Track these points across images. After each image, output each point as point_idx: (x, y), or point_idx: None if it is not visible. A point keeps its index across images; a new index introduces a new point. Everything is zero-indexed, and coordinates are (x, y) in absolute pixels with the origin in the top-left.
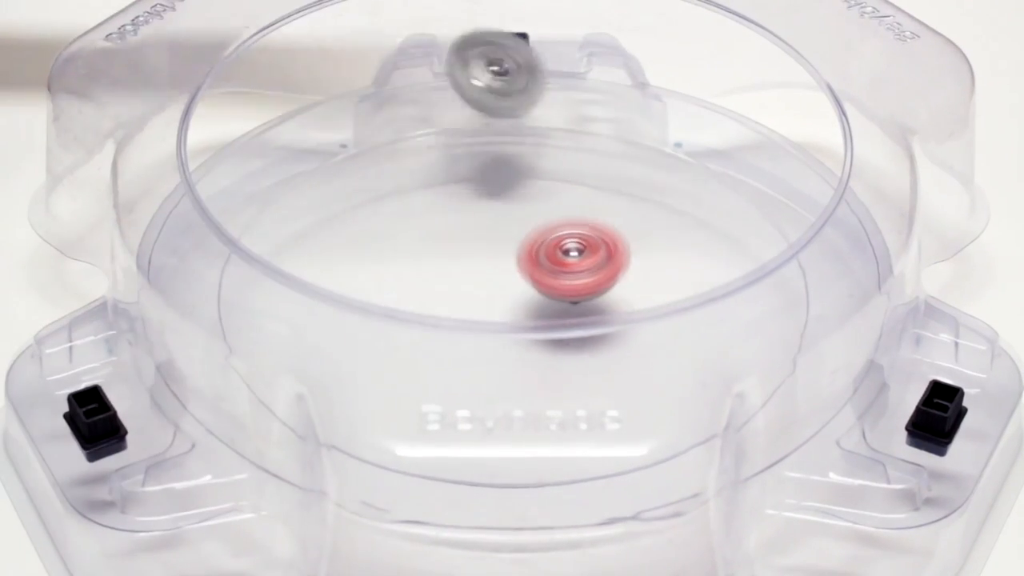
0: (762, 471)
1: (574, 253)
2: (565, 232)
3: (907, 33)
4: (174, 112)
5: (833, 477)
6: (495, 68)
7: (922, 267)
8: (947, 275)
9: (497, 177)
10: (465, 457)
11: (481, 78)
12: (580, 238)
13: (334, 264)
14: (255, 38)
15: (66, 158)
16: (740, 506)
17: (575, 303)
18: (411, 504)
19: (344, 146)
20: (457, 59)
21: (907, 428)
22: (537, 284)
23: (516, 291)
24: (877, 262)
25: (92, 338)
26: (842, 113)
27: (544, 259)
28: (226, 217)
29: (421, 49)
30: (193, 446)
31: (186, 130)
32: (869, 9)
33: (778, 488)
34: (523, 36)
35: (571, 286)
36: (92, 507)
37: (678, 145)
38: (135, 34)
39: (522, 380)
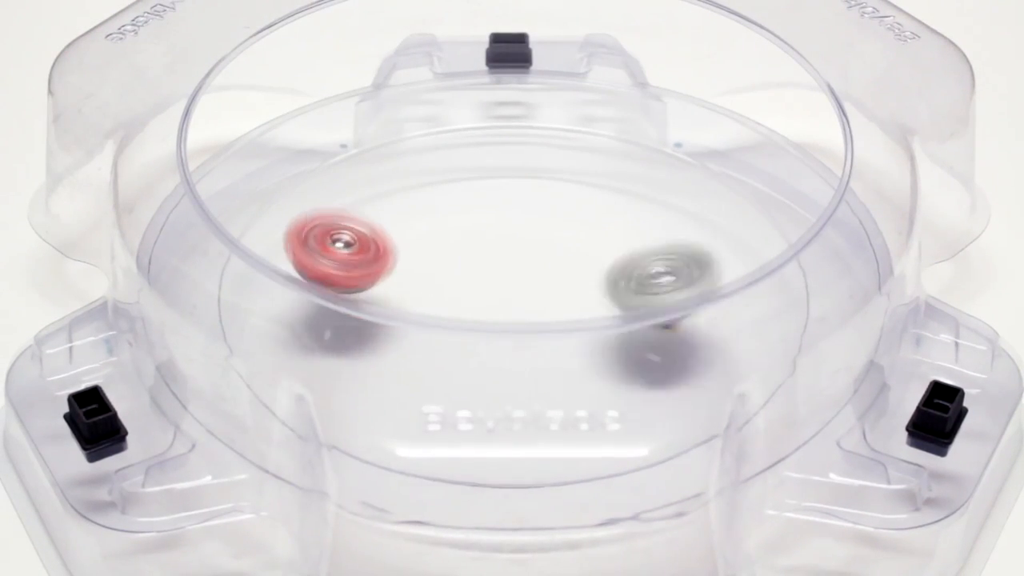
0: (763, 471)
1: (341, 245)
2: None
3: (907, 33)
4: (174, 112)
5: (834, 477)
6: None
7: (922, 267)
8: (947, 275)
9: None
10: (465, 457)
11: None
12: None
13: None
14: (255, 38)
15: (66, 158)
16: (741, 506)
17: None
18: (411, 504)
19: (344, 146)
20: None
21: (907, 428)
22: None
23: (517, 291)
24: (877, 262)
25: (92, 338)
26: (842, 113)
27: (313, 243)
28: (226, 217)
29: (421, 49)
30: (193, 446)
31: (186, 130)
32: (869, 9)
33: (779, 488)
34: (523, 36)
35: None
36: (92, 507)
37: (678, 145)
38: (135, 34)
39: (522, 380)
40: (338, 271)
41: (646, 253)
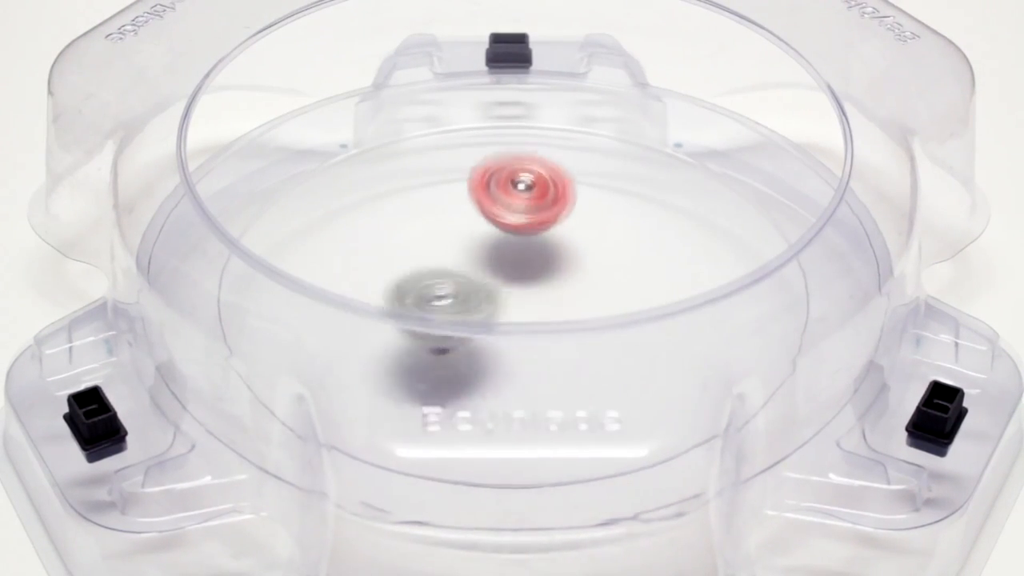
0: (762, 472)
1: (522, 186)
2: (520, 166)
3: (907, 33)
4: (174, 112)
5: (833, 478)
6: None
7: (922, 267)
8: (947, 275)
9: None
10: (465, 458)
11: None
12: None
13: (334, 264)
14: (255, 38)
15: (66, 158)
16: (740, 507)
17: None
18: (411, 505)
19: (344, 146)
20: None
21: (907, 429)
22: (483, 210)
23: (517, 291)
24: (877, 263)
25: (92, 339)
26: (842, 113)
27: (495, 188)
28: (226, 217)
29: (421, 49)
30: (193, 447)
31: (186, 130)
32: (869, 9)
33: (778, 489)
34: (523, 36)
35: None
36: (92, 508)
37: (678, 145)
38: (135, 34)
39: (522, 380)
40: (523, 217)
41: (434, 273)
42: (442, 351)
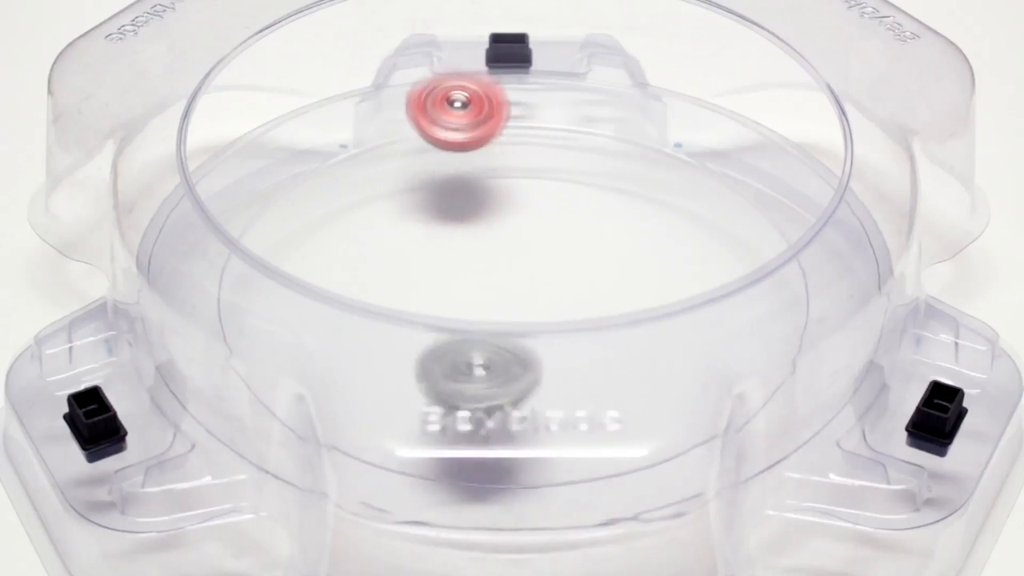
0: (762, 472)
1: (458, 104)
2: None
3: (907, 33)
4: (174, 112)
5: (833, 478)
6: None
7: (922, 267)
8: (947, 275)
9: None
10: (465, 458)
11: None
12: (466, 91)
13: (334, 264)
14: (255, 38)
15: (66, 158)
16: (740, 507)
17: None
18: (411, 505)
19: (344, 146)
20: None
21: (907, 429)
22: (419, 129)
23: (517, 291)
24: (877, 263)
25: (92, 339)
26: (842, 113)
27: (431, 106)
28: (226, 217)
29: (421, 49)
30: (193, 447)
31: (186, 130)
32: (869, 9)
33: (779, 489)
34: (523, 36)
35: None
36: (92, 508)
37: (678, 145)
38: (135, 34)
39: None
40: (459, 134)
41: (465, 342)
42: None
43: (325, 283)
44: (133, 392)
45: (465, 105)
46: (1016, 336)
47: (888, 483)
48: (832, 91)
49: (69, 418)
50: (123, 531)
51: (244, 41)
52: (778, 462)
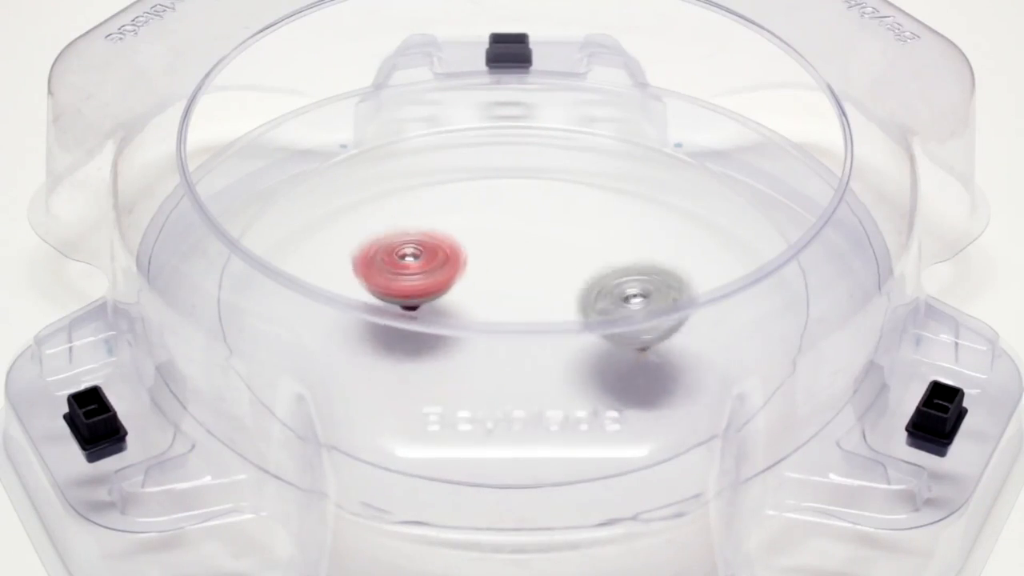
0: (762, 472)
1: (410, 258)
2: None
3: (907, 33)
4: (174, 112)
5: (833, 478)
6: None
7: (922, 268)
8: (947, 275)
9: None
10: (465, 458)
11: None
12: (418, 243)
13: (334, 264)
14: (255, 38)
15: (66, 158)
16: (740, 507)
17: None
18: (411, 505)
19: (344, 146)
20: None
21: (907, 429)
22: (370, 285)
23: (517, 291)
24: (877, 263)
25: (92, 339)
26: (842, 113)
27: (381, 262)
28: (226, 217)
29: (421, 49)
30: (193, 447)
31: (186, 130)
32: (869, 9)
33: (778, 489)
34: (523, 36)
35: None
36: (92, 508)
37: (678, 145)
38: (135, 34)
39: (522, 380)
40: (416, 282)
41: (617, 272)
42: (643, 349)
43: (325, 283)
44: (133, 392)
45: (417, 256)
46: (1016, 336)
47: (888, 483)
48: (832, 91)
49: (69, 418)
50: (123, 531)
51: (244, 41)
52: (778, 462)
